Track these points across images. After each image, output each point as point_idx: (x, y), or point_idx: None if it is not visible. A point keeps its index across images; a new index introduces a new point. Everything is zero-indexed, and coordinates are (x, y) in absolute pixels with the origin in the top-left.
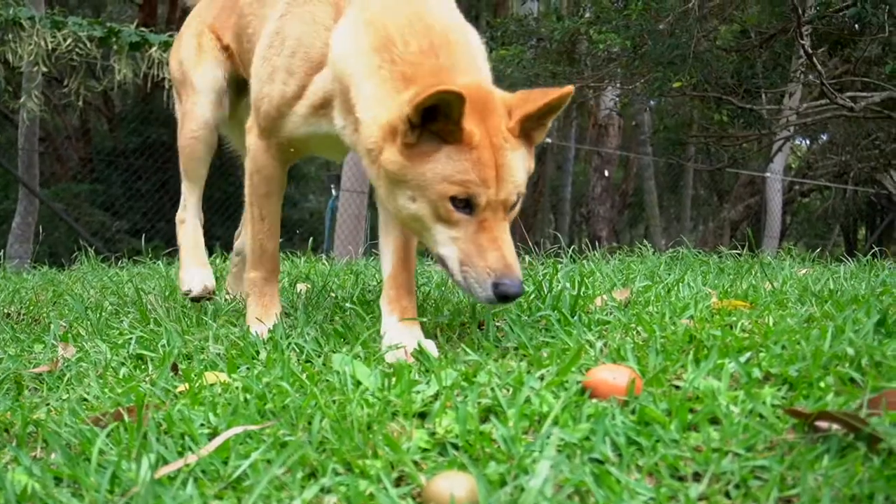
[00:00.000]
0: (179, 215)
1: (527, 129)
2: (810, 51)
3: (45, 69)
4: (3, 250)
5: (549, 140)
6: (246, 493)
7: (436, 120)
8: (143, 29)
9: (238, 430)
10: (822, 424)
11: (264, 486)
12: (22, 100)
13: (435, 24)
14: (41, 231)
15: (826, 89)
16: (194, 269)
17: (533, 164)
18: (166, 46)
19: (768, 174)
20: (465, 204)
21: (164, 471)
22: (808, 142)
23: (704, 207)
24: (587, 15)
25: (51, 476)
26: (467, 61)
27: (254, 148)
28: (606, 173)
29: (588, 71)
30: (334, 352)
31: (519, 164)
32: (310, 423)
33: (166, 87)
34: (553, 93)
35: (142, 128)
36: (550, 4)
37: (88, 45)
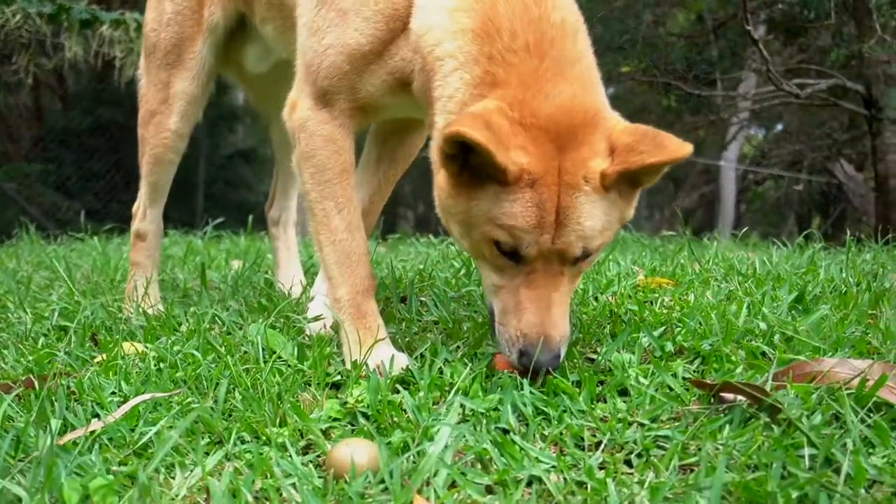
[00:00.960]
0: (138, 226)
1: (630, 177)
2: (757, 37)
3: None
4: None
5: None
6: (148, 460)
7: (472, 151)
8: (93, 7)
9: (146, 396)
10: (727, 396)
11: (167, 452)
12: None
13: (552, 12)
14: None
15: (771, 75)
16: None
17: (629, 212)
18: (117, 25)
19: (722, 162)
20: (511, 251)
21: (68, 437)
22: (763, 131)
23: (659, 195)
24: None
25: None
26: (578, 69)
27: (310, 122)
28: None
29: None
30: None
31: (595, 212)
32: (216, 390)
33: (117, 65)
34: (668, 150)
35: (94, 107)
36: None
37: (38, 21)
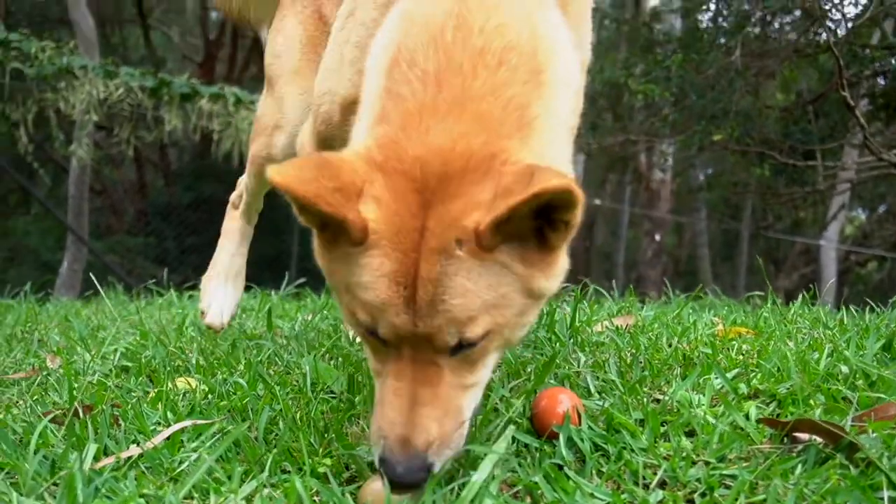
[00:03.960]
0: (234, 197)
1: (527, 227)
2: (856, 110)
3: (95, 118)
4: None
5: (598, 202)
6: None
7: None
8: (193, 81)
9: (186, 423)
10: (801, 435)
11: (201, 479)
12: (72, 147)
13: (474, 37)
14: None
15: (869, 143)
16: (219, 289)
17: (545, 282)
18: (216, 98)
19: (822, 242)
20: (372, 331)
21: (104, 462)
22: (865, 212)
23: (757, 276)
24: (632, 69)
25: None
26: (489, 104)
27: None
28: (657, 237)
29: (632, 125)
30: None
31: (471, 285)
32: (258, 417)
33: (215, 138)
34: (535, 185)
35: (196, 183)
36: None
37: (140, 94)
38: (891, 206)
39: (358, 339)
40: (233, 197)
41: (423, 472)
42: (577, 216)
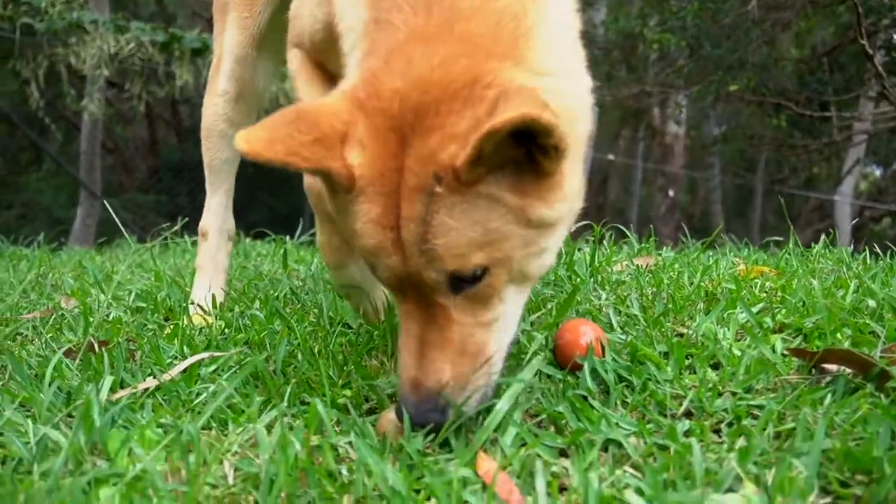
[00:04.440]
0: (202, 224)
1: (509, 155)
2: (871, 52)
3: (106, 73)
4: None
5: (612, 157)
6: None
7: None
8: (204, 35)
9: (204, 355)
10: (829, 367)
11: (220, 409)
12: (84, 102)
13: None
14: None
15: (887, 92)
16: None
17: (545, 211)
18: None
19: (837, 197)
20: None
21: (120, 394)
22: (880, 169)
23: (772, 233)
24: (646, 18)
25: (7, 398)
26: (477, 23)
27: (290, 53)
28: (671, 193)
29: (647, 76)
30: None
31: (454, 222)
32: (276, 350)
33: None
34: (510, 109)
35: None
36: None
37: (150, 49)
38: None
39: None
40: (200, 226)
41: (437, 412)
42: (563, 140)
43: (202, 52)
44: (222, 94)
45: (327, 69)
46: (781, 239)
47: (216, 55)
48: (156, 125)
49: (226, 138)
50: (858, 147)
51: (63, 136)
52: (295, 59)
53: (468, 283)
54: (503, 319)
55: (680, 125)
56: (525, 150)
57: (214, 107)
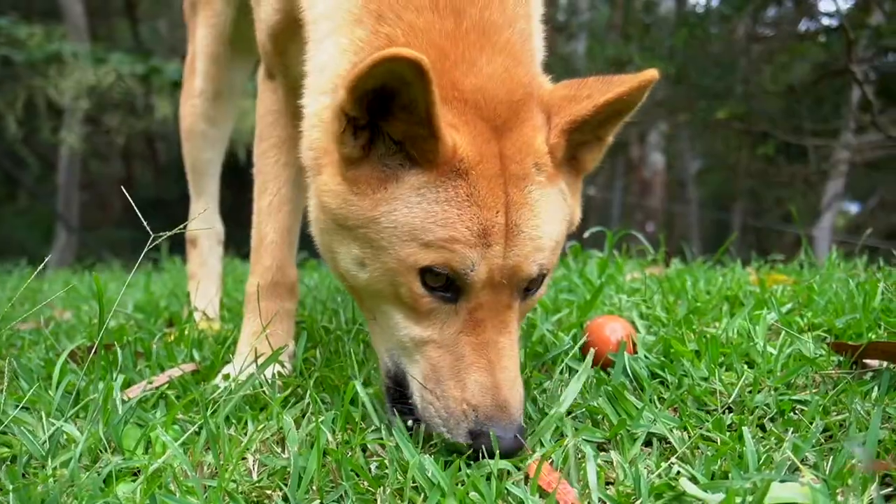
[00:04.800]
0: (189, 232)
1: (573, 145)
2: (860, 79)
3: (85, 105)
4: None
5: (591, 193)
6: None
7: (391, 114)
8: None
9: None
10: (871, 362)
11: (238, 406)
12: (62, 134)
13: None
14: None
15: (877, 121)
16: (207, 300)
17: (578, 210)
18: None
19: (815, 232)
20: (446, 282)
21: (133, 390)
22: (857, 205)
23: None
24: (633, 45)
25: (12, 399)
26: (508, 35)
27: (259, 89)
28: (649, 229)
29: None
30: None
31: (552, 211)
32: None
33: None
34: (622, 82)
35: (185, 177)
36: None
37: (129, 82)
38: (883, 197)
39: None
40: (188, 234)
41: (523, 433)
42: (616, 130)
43: (182, 85)
44: (199, 94)
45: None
46: (783, 257)
47: (189, 55)
48: (132, 161)
49: (207, 138)
50: (836, 182)
51: (39, 171)
52: (264, 98)
53: (537, 285)
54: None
55: (662, 155)
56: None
57: (193, 107)
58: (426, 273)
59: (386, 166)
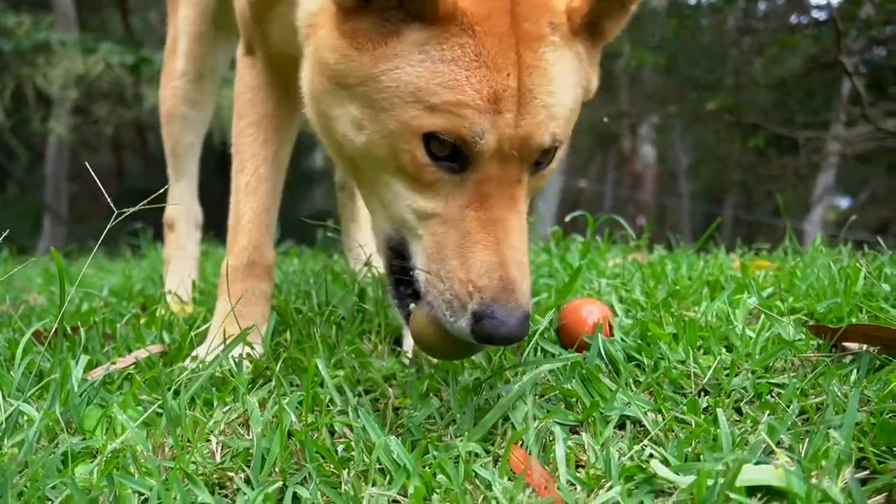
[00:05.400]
0: (167, 214)
1: (595, 12)
2: (850, 70)
3: (74, 94)
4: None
5: (583, 185)
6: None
7: None
8: None
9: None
10: (850, 345)
11: (204, 387)
12: (51, 124)
13: None
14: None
15: (867, 113)
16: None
17: (595, 79)
18: None
19: (806, 226)
20: (452, 151)
21: (96, 372)
22: (848, 199)
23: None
24: (623, 35)
25: None
26: None
27: (239, 66)
28: (640, 222)
29: (624, 99)
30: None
31: (568, 76)
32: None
33: None
34: None
35: None
36: None
37: (119, 71)
38: (874, 191)
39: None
40: (165, 216)
41: (528, 321)
42: None
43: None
44: (181, 75)
45: (277, 87)
46: (768, 245)
47: (170, 36)
48: (122, 152)
49: (188, 121)
50: (828, 175)
51: (27, 162)
52: (243, 75)
53: (550, 157)
54: None
55: (653, 148)
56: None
57: (173, 89)
58: (431, 140)
59: (387, 21)
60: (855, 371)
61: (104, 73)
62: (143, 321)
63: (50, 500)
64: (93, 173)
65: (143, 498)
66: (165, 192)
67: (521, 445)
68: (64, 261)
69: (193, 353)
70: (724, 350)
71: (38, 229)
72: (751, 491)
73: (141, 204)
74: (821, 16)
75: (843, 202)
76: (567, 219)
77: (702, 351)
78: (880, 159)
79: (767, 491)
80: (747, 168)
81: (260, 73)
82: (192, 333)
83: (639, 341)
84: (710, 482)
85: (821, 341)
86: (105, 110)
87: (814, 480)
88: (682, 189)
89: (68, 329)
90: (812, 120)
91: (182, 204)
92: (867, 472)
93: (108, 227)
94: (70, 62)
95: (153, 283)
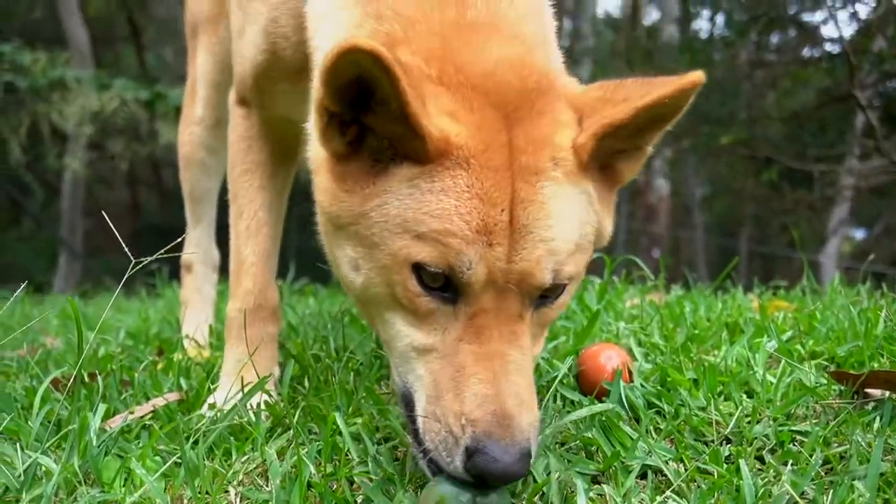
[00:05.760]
0: (185, 257)
1: (607, 152)
2: (863, 118)
3: (89, 131)
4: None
5: None
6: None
7: (370, 109)
8: None
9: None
10: (873, 391)
11: (222, 436)
12: (66, 160)
13: None
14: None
15: (881, 146)
16: (196, 326)
17: (608, 224)
18: None
19: (822, 259)
20: (445, 282)
21: (115, 420)
22: (863, 231)
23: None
24: (636, 70)
25: None
26: (522, 28)
27: (232, 115)
28: (655, 254)
29: None
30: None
31: (570, 211)
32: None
33: None
34: (664, 84)
35: None
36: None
37: (133, 107)
38: (889, 224)
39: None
40: (183, 258)
41: (527, 460)
42: (656, 139)
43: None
44: (199, 121)
45: (271, 140)
46: (786, 283)
47: (190, 80)
48: (137, 188)
49: (205, 167)
50: (842, 208)
51: (43, 199)
52: (237, 125)
53: (553, 294)
54: (536, 359)
55: (667, 182)
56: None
57: (191, 135)
58: (421, 270)
59: (377, 161)
60: (878, 419)
61: (119, 109)
62: (160, 367)
63: None
64: (110, 223)
65: None
66: (183, 235)
67: (543, 497)
68: (80, 302)
69: (210, 401)
70: (744, 396)
71: (54, 265)
72: None
73: (159, 253)
74: (833, 49)
75: (859, 234)
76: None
77: (722, 397)
78: (894, 193)
79: None
80: (761, 201)
81: (254, 125)
82: (210, 381)
83: (658, 387)
84: None
85: (842, 387)
86: (120, 146)
87: None
88: (696, 221)
89: (86, 377)
90: (826, 153)
91: (200, 248)
92: None
93: (125, 276)
94: (85, 98)
95: (169, 325)
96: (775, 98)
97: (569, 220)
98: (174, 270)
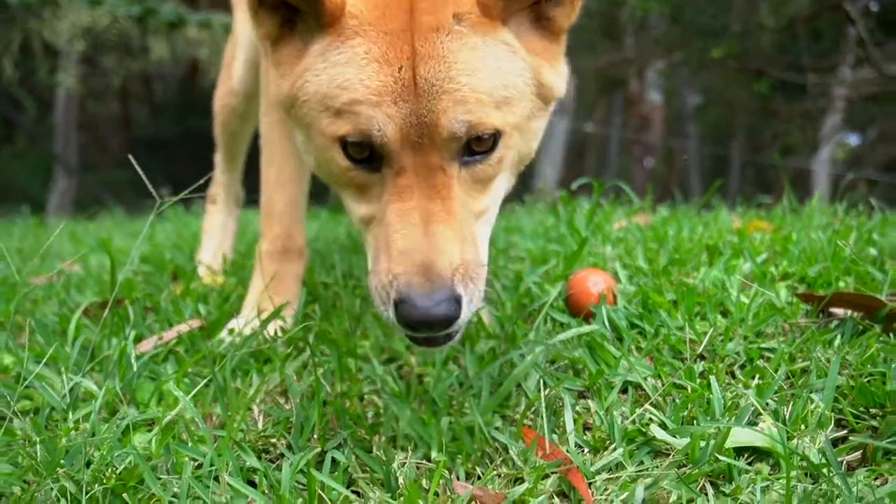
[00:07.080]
0: (211, 191)
1: (540, 4)
2: (853, 17)
3: (80, 47)
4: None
5: (588, 130)
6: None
7: None
8: (180, 9)
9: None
10: (837, 311)
11: (243, 359)
12: (58, 76)
13: None
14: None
15: (870, 55)
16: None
17: (551, 76)
18: (203, 26)
19: (814, 166)
20: (370, 152)
21: (145, 345)
22: (856, 137)
23: (749, 205)
24: None
25: (32, 354)
26: None
27: (263, 65)
28: (647, 164)
29: (629, 46)
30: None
31: (478, 62)
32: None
33: (201, 68)
34: None
35: (182, 116)
36: None
37: (125, 23)
38: (883, 129)
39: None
40: (209, 191)
41: (452, 303)
42: None
43: (177, 26)
44: (234, 94)
45: None
46: (770, 201)
47: (233, 37)
48: (129, 102)
49: (239, 135)
50: (835, 115)
51: (36, 113)
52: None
53: (479, 154)
54: (490, 216)
55: (660, 93)
56: (534, 9)
57: (227, 106)
58: (347, 144)
59: (304, 42)
60: (839, 336)
61: (111, 25)
62: (178, 292)
63: (115, 467)
64: (133, 160)
65: (196, 464)
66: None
67: (534, 411)
68: (86, 224)
69: (229, 326)
70: (719, 316)
71: (49, 181)
72: (739, 451)
73: (188, 190)
74: None
75: (853, 139)
76: (574, 186)
77: (699, 317)
78: (888, 99)
79: (754, 451)
80: (755, 111)
81: None
82: (226, 306)
83: (640, 309)
84: (702, 444)
85: (809, 307)
86: (112, 62)
87: (795, 442)
88: (689, 131)
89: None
90: (820, 64)
91: (226, 186)
92: (846, 431)
93: (150, 218)
94: (76, 15)
95: (180, 251)
96: (769, 7)
97: (478, 70)
98: (176, 192)
